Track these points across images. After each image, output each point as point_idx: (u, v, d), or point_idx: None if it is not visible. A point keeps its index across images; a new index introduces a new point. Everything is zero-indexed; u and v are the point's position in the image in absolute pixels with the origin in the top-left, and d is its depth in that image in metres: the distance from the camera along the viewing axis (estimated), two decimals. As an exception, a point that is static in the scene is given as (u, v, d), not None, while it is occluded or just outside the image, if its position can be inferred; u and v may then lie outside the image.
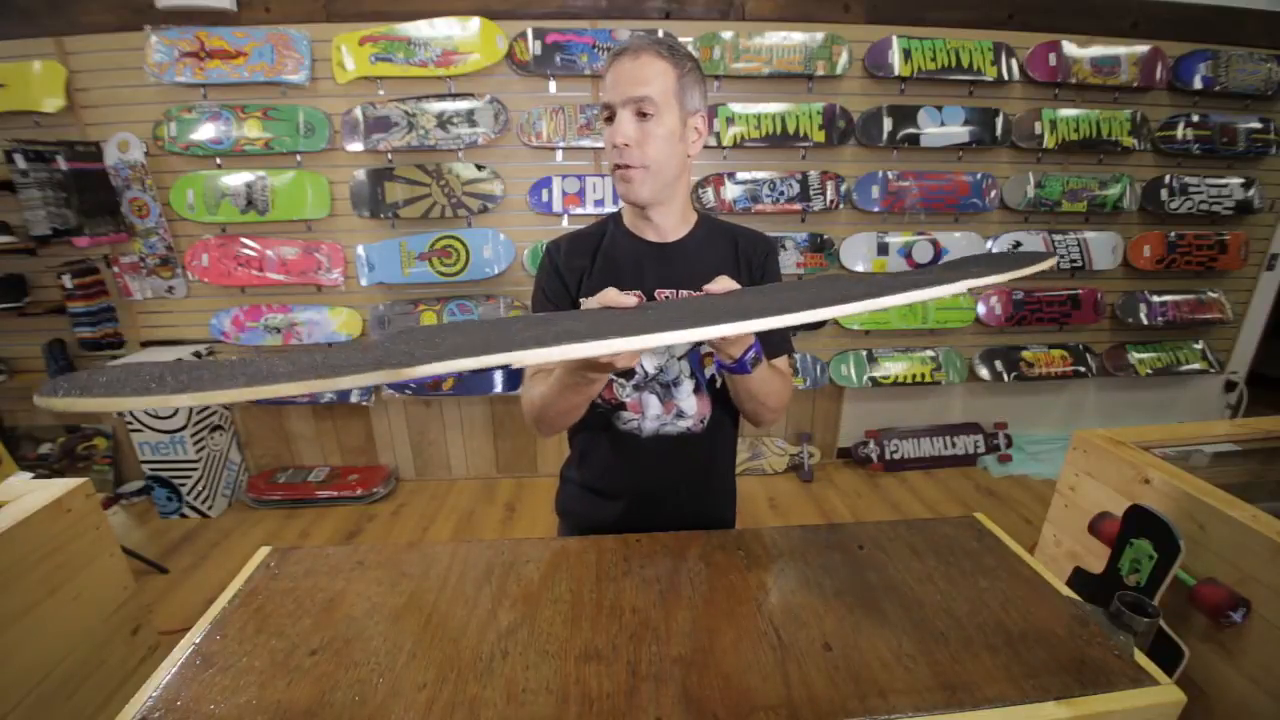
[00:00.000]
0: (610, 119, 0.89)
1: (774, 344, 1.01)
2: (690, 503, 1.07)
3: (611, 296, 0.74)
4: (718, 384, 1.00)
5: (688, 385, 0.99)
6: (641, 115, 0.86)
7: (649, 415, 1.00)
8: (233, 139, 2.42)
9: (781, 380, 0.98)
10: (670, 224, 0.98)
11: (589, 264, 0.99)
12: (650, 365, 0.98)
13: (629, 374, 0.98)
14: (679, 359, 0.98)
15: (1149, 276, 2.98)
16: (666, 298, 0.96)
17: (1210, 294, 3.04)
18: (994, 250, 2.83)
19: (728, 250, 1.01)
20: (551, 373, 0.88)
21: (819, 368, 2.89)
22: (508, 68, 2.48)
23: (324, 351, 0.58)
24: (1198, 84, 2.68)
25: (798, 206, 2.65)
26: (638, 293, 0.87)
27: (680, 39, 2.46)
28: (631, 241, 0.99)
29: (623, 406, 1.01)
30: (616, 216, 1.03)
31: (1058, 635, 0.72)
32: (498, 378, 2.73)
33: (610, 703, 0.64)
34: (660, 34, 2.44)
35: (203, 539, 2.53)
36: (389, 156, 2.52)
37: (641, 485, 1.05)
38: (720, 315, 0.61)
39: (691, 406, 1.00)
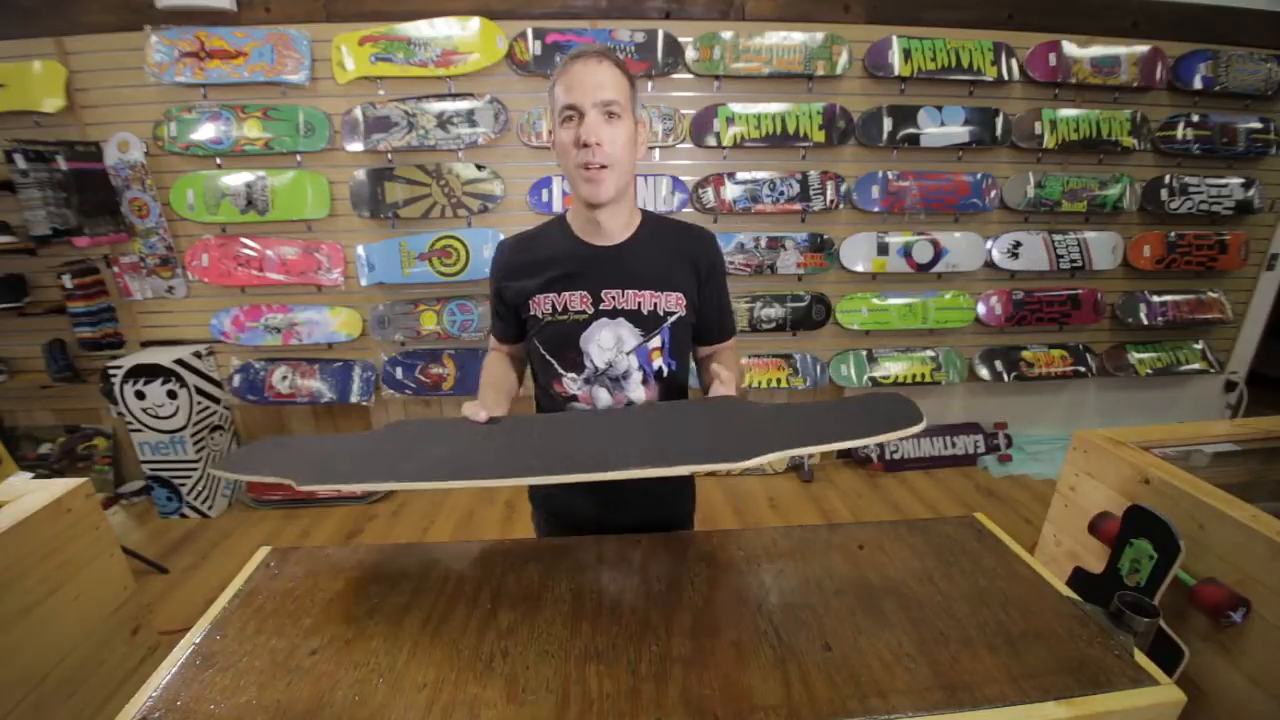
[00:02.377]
0: (570, 120, 0.90)
1: (725, 328, 1.10)
2: (643, 495, 1.05)
3: (468, 410, 0.90)
4: (664, 374, 1.02)
5: (636, 377, 1.01)
6: (610, 116, 0.89)
7: (599, 405, 1.01)
8: (233, 139, 2.42)
9: (737, 359, 1.12)
10: (618, 225, 1.00)
11: (533, 269, 1.01)
12: (600, 361, 0.99)
13: (579, 369, 1.00)
14: (627, 354, 0.99)
15: (1149, 276, 2.98)
16: (613, 298, 0.98)
17: (1210, 294, 3.04)
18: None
19: (673, 249, 1.02)
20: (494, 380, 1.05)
21: (819, 368, 2.89)
22: (508, 68, 2.48)
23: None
24: (1198, 84, 2.68)
25: (798, 206, 2.65)
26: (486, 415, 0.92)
27: (680, 39, 2.46)
28: (576, 245, 1.01)
29: (574, 399, 1.02)
30: (562, 218, 1.05)
31: (1058, 635, 0.72)
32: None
33: (610, 703, 0.64)
34: (661, 36, 2.44)
35: (203, 539, 2.53)
36: (389, 156, 2.52)
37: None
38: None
39: (640, 397, 1.02)
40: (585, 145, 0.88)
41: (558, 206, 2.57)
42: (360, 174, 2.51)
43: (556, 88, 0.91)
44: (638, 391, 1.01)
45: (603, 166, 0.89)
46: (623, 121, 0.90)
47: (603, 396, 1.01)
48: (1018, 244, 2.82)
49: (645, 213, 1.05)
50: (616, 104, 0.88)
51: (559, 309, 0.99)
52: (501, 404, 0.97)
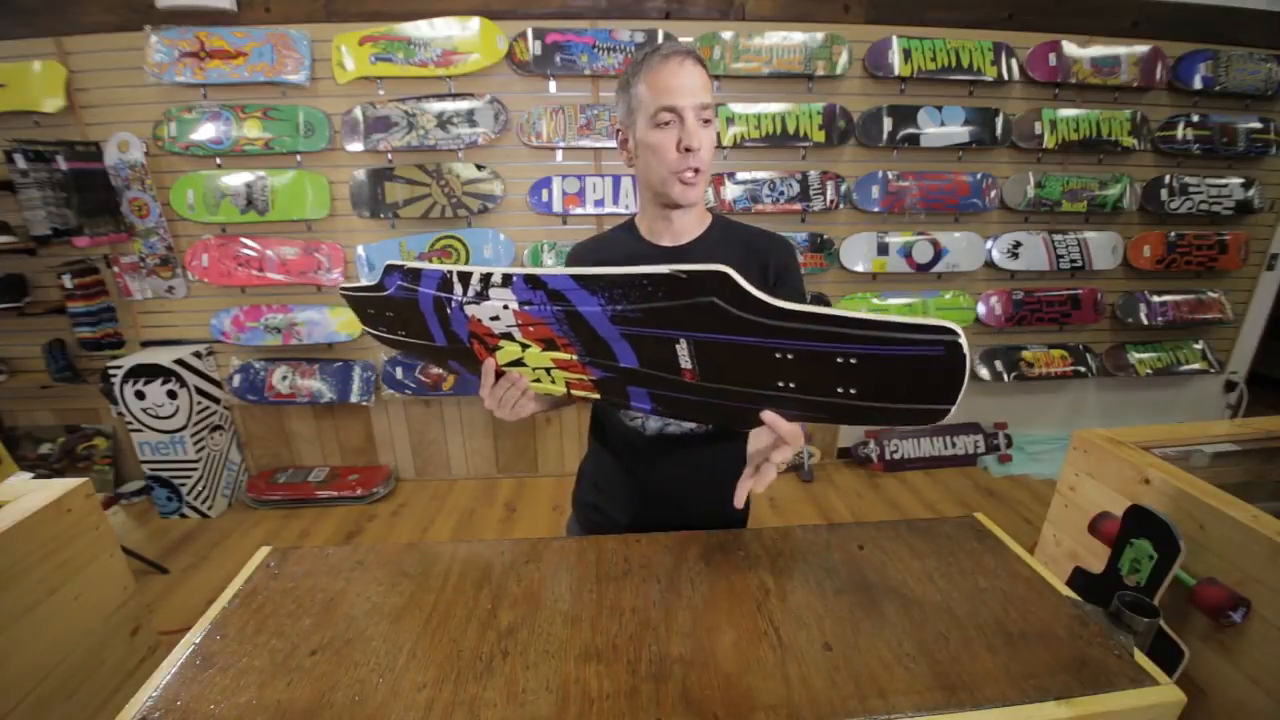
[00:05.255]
0: (669, 123, 0.87)
1: None
2: (695, 503, 1.06)
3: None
4: None
5: None
6: (705, 122, 0.89)
7: (653, 415, 1.01)
8: (233, 139, 2.42)
9: None
10: (688, 226, 0.98)
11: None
12: None
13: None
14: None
15: (1149, 276, 2.98)
16: None
17: (1210, 294, 3.04)
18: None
19: (740, 251, 0.99)
20: None
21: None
22: (508, 68, 2.48)
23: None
24: (1198, 84, 2.68)
25: (798, 206, 2.65)
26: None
27: (680, 39, 2.46)
28: (641, 246, 1.00)
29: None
30: (631, 222, 1.04)
31: (1058, 635, 0.72)
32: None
33: (610, 703, 0.64)
34: (661, 36, 2.44)
35: (203, 539, 2.53)
36: (389, 156, 2.52)
37: (645, 483, 1.05)
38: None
39: None
40: (689, 150, 0.87)
41: (557, 207, 2.57)
42: (360, 174, 2.51)
43: (641, 86, 0.88)
44: None
45: (699, 170, 0.89)
46: (712, 126, 0.90)
47: None
48: (1018, 244, 2.82)
49: (716, 215, 1.03)
50: (710, 109, 0.88)
51: None
52: (540, 399, 0.91)
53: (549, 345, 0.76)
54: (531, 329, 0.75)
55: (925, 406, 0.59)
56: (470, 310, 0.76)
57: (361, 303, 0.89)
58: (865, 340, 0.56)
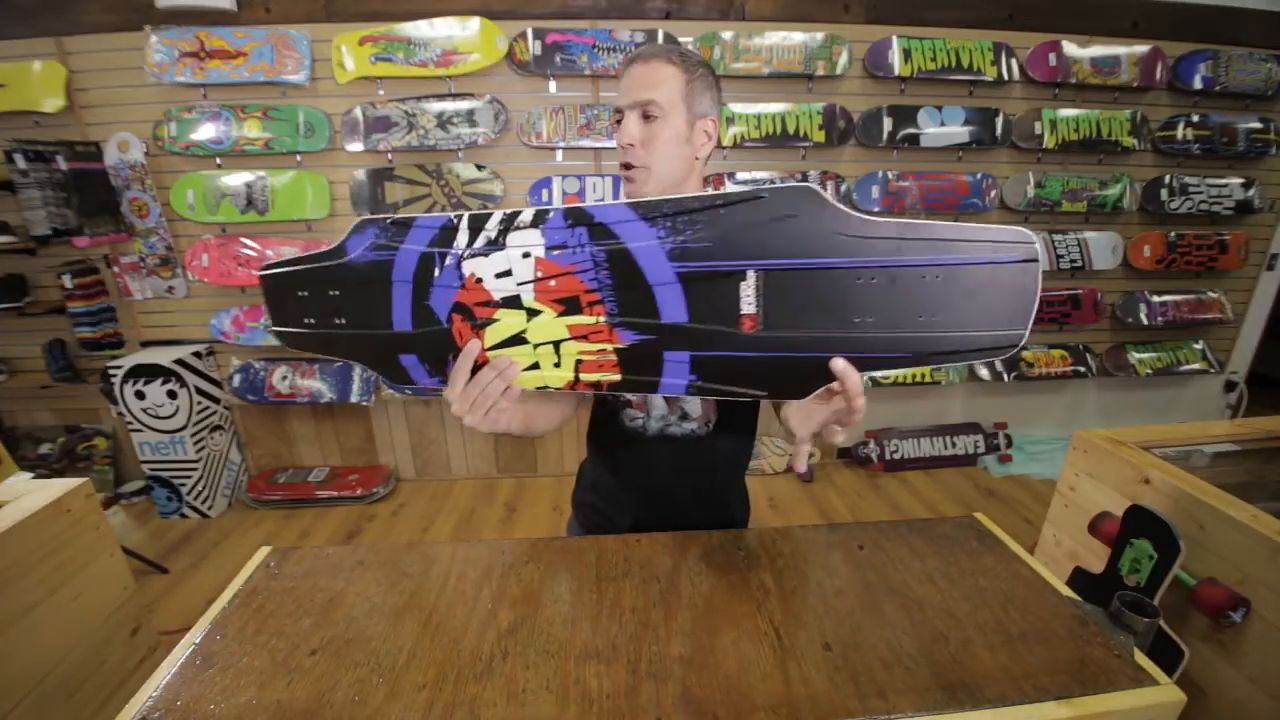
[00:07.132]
0: (618, 122, 0.91)
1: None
2: (695, 505, 1.06)
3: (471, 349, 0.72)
4: None
5: None
6: (646, 117, 0.88)
7: (654, 415, 1.01)
8: (233, 139, 2.42)
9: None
10: None
11: None
12: None
13: None
14: None
15: (1149, 276, 2.98)
16: None
17: (1210, 294, 3.04)
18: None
19: None
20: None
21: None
22: (508, 68, 2.48)
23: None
24: (1198, 84, 2.68)
25: (798, 206, 2.65)
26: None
27: (680, 39, 2.46)
28: None
29: (628, 404, 1.01)
30: None
31: (1058, 635, 0.72)
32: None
33: (610, 703, 0.64)
34: (661, 36, 2.45)
35: (203, 539, 2.53)
36: (389, 156, 2.52)
37: (645, 484, 1.05)
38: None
39: (696, 408, 1.00)
40: (621, 146, 0.89)
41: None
42: (360, 174, 2.51)
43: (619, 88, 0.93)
44: (693, 402, 0.99)
45: (637, 167, 0.89)
46: (665, 121, 0.88)
47: (658, 402, 1.00)
48: (1018, 244, 2.82)
49: None
50: (655, 104, 0.87)
51: None
52: (533, 401, 0.88)
53: (570, 308, 0.66)
54: (554, 283, 0.64)
55: (1001, 332, 0.59)
56: (470, 267, 0.66)
57: (293, 282, 0.72)
58: (953, 251, 0.56)
